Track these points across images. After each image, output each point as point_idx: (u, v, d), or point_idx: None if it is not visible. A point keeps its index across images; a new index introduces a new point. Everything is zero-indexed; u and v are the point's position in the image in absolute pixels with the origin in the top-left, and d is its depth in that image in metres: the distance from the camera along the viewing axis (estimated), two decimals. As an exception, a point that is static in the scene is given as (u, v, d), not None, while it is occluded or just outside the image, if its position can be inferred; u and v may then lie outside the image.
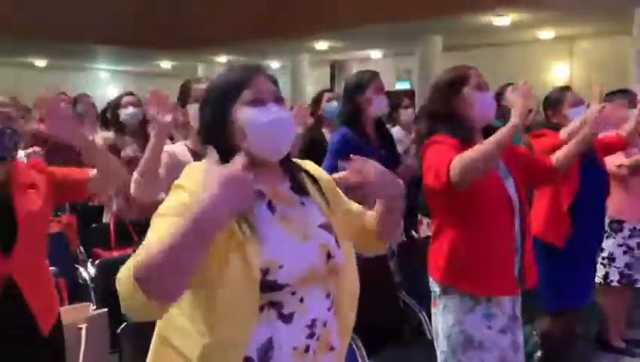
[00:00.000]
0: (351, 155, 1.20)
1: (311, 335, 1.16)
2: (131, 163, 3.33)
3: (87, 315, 2.24)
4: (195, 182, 1.10)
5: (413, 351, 2.36)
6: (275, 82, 1.23)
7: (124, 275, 1.02)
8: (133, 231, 3.26)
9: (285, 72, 11.90)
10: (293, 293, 1.14)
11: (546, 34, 9.72)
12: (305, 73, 11.55)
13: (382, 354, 2.23)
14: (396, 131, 3.80)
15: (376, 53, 12.04)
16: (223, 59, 12.08)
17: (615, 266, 2.98)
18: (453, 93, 1.84)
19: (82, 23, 9.21)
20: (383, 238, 1.34)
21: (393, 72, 11.98)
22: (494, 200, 1.79)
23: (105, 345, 2.23)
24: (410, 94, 9.26)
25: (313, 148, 3.17)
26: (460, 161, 1.66)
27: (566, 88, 2.77)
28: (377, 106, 2.69)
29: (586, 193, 2.46)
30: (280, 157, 1.21)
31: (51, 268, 1.95)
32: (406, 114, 4.18)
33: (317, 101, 3.72)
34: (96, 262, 2.77)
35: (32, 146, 3.27)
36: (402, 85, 11.67)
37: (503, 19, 8.39)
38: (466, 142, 1.77)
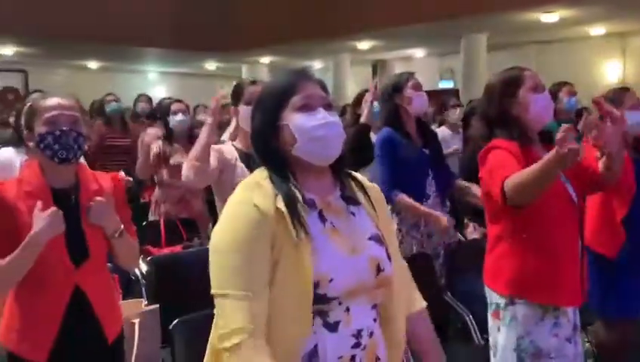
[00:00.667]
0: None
1: (357, 345, 1.16)
2: (180, 169, 3.46)
3: (139, 310, 2.30)
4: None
5: (458, 353, 2.34)
6: (324, 88, 1.25)
7: None
8: (182, 229, 3.37)
9: (327, 72, 11.93)
10: (340, 303, 1.15)
11: (597, 30, 9.37)
12: (346, 73, 11.54)
13: (426, 356, 2.22)
14: (442, 131, 3.78)
15: (418, 52, 11.90)
16: (266, 60, 12.21)
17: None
18: (508, 95, 1.79)
19: (132, 26, 9.52)
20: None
21: (436, 72, 11.83)
22: (560, 206, 1.73)
23: (157, 340, 2.27)
24: (454, 94, 9.16)
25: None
26: (516, 180, 1.60)
27: (625, 89, 2.64)
28: (417, 104, 2.70)
29: None
30: (329, 162, 1.21)
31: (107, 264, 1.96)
32: (453, 114, 4.15)
33: (358, 101, 3.73)
34: (148, 258, 2.85)
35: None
36: (446, 85, 11.51)
37: (550, 16, 8.15)
38: (526, 144, 1.72)
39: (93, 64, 12.68)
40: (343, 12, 9.15)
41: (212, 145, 2.17)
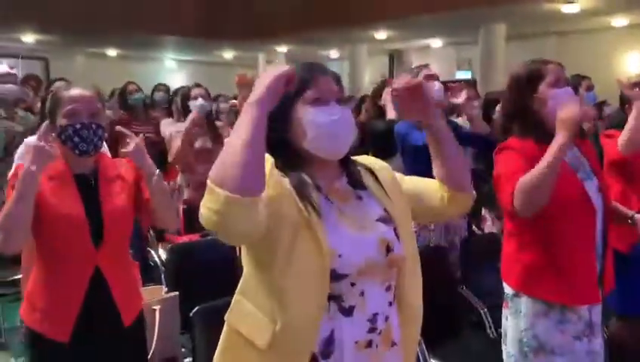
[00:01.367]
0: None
1: (372, 330, 1.17)
2: (202, 153, 3.50)
3: (160, 297, 2.37)
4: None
5: (473, 346, 2.36)
6: (339, 82, 1.24)
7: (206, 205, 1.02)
8: (201, 217, 3.41)
9: (344, 62, 11.89)
10: (353, 285, 1.15)
11: (620, 21, 9.19)
12: (363, 62, 11.49)
13: (441, 348, 2.24)
14: (460, 122, 3.75)
15: (436, 42, 11.79)
16: (283, 48, 12.20)
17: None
18: (528, 90, 1.75)
19: (151, 15, 9.57)
20: (448, 183, 1.31)
21: (454, 62, 11.71)
22: (573, 204, 1.70)
23: (176, 326, 2.33)
24: (471, 84, 9.08)
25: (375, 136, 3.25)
26: (520, 193, 1.61)
27: None
28: (432, 93, 2.71)
29: None
30: (338, 157, 1.23)
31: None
32: (471, 105, 4.13)
33: (377, 92, 3.74)
34: (169, 246, 2.90)
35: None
36: (463, 75, 11.40)
37: (572, 6, 8.01)
38: (543, 142, 1.69)
39: (112, 52, 12.78)
40: (360, 1, 9.10)
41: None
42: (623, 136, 2.08)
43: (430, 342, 2.11)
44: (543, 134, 1.72)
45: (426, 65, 2.83)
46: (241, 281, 1.27)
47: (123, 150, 1.75)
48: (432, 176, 1.36)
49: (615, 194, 2.35)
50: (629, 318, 2.45)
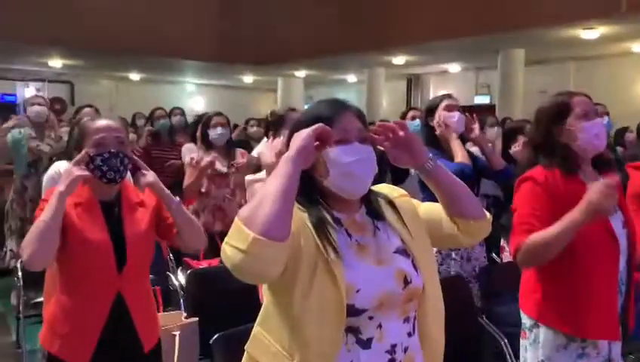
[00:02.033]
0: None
1: (391, 361, 1.17)
2: (217, 178, 3.56)
3: (180, 322, 2.37)
4: None
5: (493, 378, 2.33)
6: (361, 118, 1.25)
7: (230, 243, 1.05)
8: (219, 242, 3.44)
9: (361, 86, 11.98)
10: (371, 318, 1.16)
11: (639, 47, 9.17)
12: (381, 87, 11.58)
13: (461, 379, 2.21)
14: (477, 150, 3.75)
15: (454, 67, 11.85)
16: (301, 73, 12.37)
17: None
18: (555, 123, 1.76)
19: (173, 40, 9.81)
20: (455, 215, 1.29)
21: (472, 86, 11.75)
22: (597, 238, 1.68)
23: (195, 353, 2.32)
24: (490, 109, 9.07)
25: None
26: (526, 252, 1.65)
27: None
28: (449, 124, 2.71)
29: None
30: (358, 196, 1.23)
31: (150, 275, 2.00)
32: (491, 132, 4.12)
33: (402, 118, 3.78)
34: (188, 272, 2.92)
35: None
36: (482, 100, 11.41)
37: (591, 32, 8.01)
38: (570, 173, 1.70)
39: (134, 75, 13.11)
40: (378, 26, 9.20)
41: (257, 176, 2.21)
42: None
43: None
44: (570, 166, 1.72)
45: (449, 96, 2.81)
46: (260, 312, 1.28)
47: (141, 183, 1.80)
48: None
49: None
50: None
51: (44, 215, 1.62)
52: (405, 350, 1.19)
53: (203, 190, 3.56)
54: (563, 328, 1.70)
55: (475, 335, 2.46)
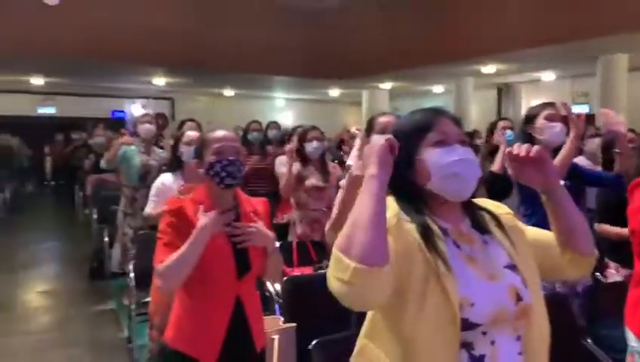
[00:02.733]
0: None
1: None
2: (313, 191, 3.69)
3: (278, 327, 2.47)
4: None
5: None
6: (459, 124, 1.25)
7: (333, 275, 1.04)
8: (312, 251, 3.56)
9: (448, 96, 11.78)
10: (484, 334, 1.13)
11: None
12: (469, 97, 11.31)
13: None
14: (579, 161, 3.60)
15: (548, 75, 11.33)
16: (387, 85, 12.40)
17: None
18: None
19: (263, 58, 10.26)
20: (568, 247, 1.25)
21: (568, 95, 11.16)
22: None
23: (292, 358, 2.38)
24: (590, 119, 8.57)
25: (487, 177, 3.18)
26: None
27: None
28: (549, 135, 2.61)
29: None
30: (463, 199, 1.22)
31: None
32: (592, 143, 3.94)
33: (492, 129, 3.70)
34: (284, 278, 3.04)
35: None
36: (580, 109, 10.82)
37: None
38: None
39: (228, 92, 13.83)
40: (466, 35, 9.01)
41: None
42: None
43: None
44: None
45: (551, 105, 2.70)
46: (366, 324, 1.28)
47: (247, 242, 1.87)
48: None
49: None
50: None
51: (188, 249, 1.73)
52: None
53: (300, 202, 3.70)
54: None
55: (580, 358, 2.30)
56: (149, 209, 3.33)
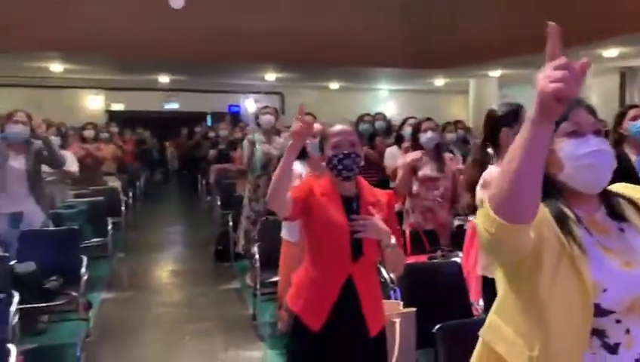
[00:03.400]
0: None
1: None
2: (427, 181, 3.77)
3: (399, 311, 2.53)
4: None
5: None
6: (593, 113, 1.22)
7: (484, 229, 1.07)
8: (425, 239, 3.66)
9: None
10: (618, 322, 1.12)
11: None
12: (588, 83, 10.60)
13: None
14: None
15: (681, 56, 10.29)
16: (496, 73, 11.96)
17: None
18: None
19: (369, 49, 10.34)
20: None
21: None
22: None
23: (413, 341, 2.46)
24: None
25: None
26: None
27: None
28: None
29: None
30: (597, 190, 1.19)
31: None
32: None
33: (620, 117, 3.52)
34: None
35: None
36: None
37: None
38: None
39: (334, 85, 14.14)
40: (585, 18, 8.42)
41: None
42: None
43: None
44: None
45: (636, 107, 2.60)
46: (496, 302, 1.30)
47: (361, 233, 1.98)
48: None
49: None
50: None
51: (278, 169, 1.92)
52: None
53: (414, 191, 3.81)
54: None
55: None
56: None
